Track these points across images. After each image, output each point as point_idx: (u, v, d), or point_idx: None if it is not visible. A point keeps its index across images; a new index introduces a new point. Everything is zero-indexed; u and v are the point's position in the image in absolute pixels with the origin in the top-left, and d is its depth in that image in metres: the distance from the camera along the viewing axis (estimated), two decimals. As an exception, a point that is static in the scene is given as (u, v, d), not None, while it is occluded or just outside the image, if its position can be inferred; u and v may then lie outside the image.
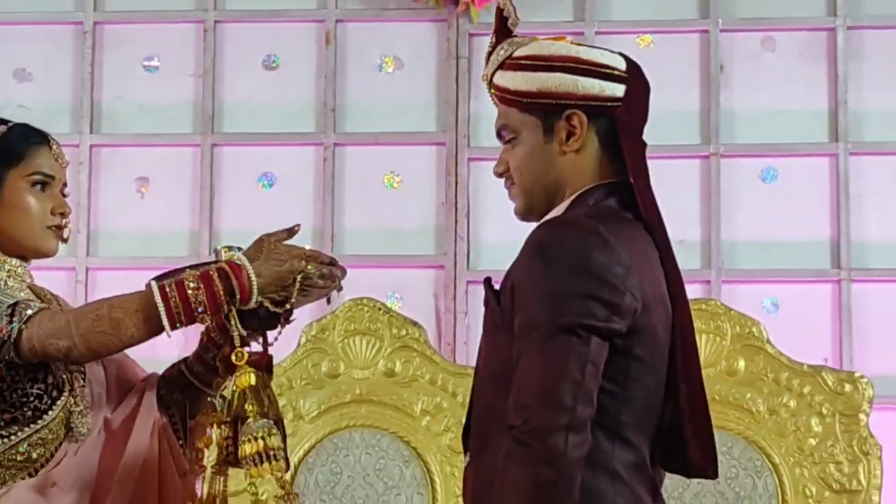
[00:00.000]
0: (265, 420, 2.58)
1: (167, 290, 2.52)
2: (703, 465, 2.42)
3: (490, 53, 2.54)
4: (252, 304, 2.57)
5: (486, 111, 4.54)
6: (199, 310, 2.53)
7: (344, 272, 2.67)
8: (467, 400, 2.48)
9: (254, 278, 2.53)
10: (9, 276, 2.71)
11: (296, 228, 2.65)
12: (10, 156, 2.72)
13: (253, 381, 2.62)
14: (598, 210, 2.42)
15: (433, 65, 4.83)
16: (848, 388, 4.29)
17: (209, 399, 2.70)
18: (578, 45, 2.51)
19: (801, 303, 4.68)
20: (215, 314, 2.56)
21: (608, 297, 2.29)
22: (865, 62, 4.77)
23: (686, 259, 4.38)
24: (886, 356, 4.61)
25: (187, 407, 2.82)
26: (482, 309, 2.53)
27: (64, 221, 2.76)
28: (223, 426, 2.62)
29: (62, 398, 2.60)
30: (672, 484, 4.11)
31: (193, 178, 4.80)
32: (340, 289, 2.68)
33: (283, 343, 2.75)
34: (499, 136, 2.53)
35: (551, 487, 2.22)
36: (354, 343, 4.38)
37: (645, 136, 2.48)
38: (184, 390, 2.80)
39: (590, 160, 2.46)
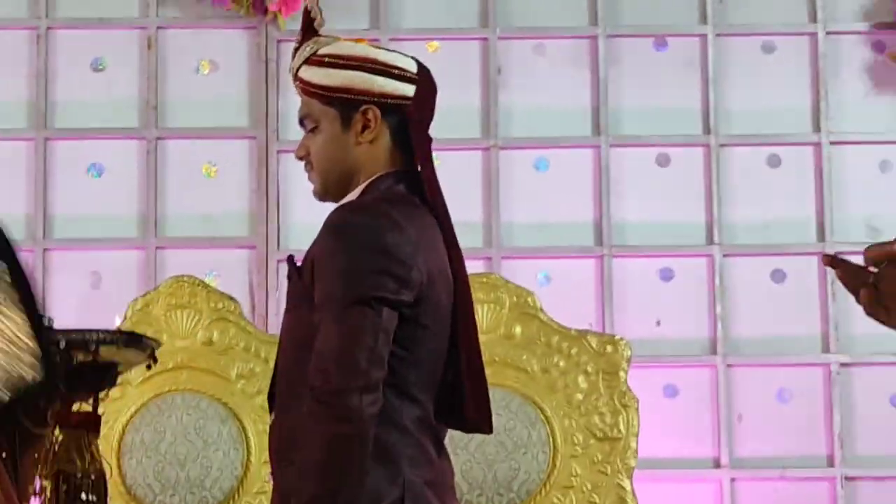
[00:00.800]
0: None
1: None
2: (478, 420, 2.53)
3: (297, 49, 2.60)
4: None
5: (293, 108, 4.53)
6: None
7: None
8: None
9: None
10: None
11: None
12: None
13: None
14: (388, 195, 2.51)
15: (245, 67, 4.96)
16: (609, 349, 4.49)
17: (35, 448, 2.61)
18: (377, 47, 2.62)
19: (569, 276, 4.87)
20: None
21: (398, 272, 2.40)
22: (623, 66, 5.00)
23: (470, 239, 4.60)
24: (641, 322, 4.83)
25: (15, 441, 2.65)
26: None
27: None
28: (50, 478, 2.66)
29: None
30: (458, 435, 3.97)
31: (28, 169, 4.89)
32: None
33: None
34: (301, 123, 2.60)
35: (349, 441, 2.33)
36: (176, 315, 4.45)
37: (432, 131, 2.59)
38: (13, 426, 2.53)
39: (382, 150, 2.55)
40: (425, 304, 2.45)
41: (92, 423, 2.74)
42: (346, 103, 2.54)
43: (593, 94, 4.99)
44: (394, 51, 2.63)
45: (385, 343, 2.39)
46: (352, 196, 2.55)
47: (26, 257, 4.76)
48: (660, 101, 4.99)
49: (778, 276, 4.93)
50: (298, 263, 2.52)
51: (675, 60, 5.03)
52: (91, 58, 5.00)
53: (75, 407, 2.73)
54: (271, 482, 2.51)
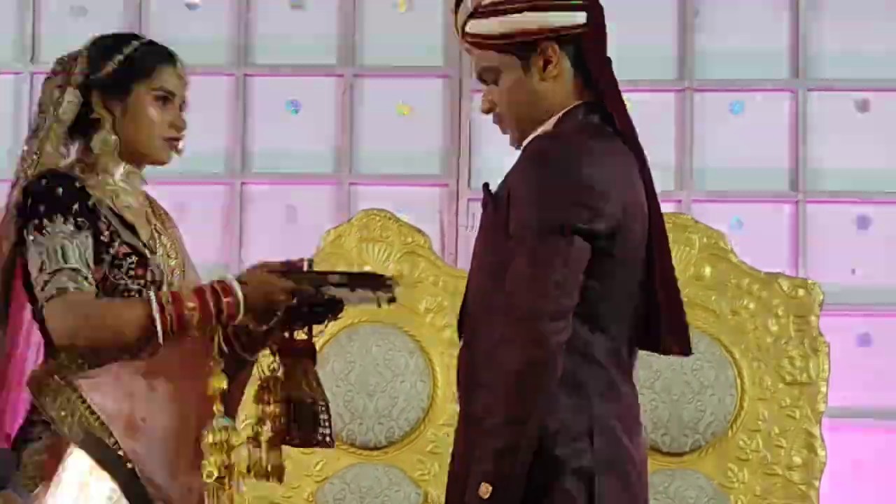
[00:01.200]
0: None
1: (165, 307, 2.56)
2: (677, 343, 2.53)
3: (458, 4, 2.57)
4: (238, 322, 2.60)
5: None
6: (192, 323, 2.57)
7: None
8: None
9: (241, 302, 2.57)
10: (124, 180, 2.76)
11: (297, 263, 2.68)
12: (140, 70, 2.75)
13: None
14: (583, 125, 2.49)
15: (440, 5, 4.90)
16: (801, 292, 4.45)
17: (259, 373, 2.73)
18: None
19: (762, 221, 4.83)
20: (204, 328, 2.59)
21: (593, 203, 2.38)
22: (824, 8, 4.90)
23: (661, 181, 4.39)
24: (836, 270, 4.77)
25: (226, 367, 2.76)
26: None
27: (180, 134, 2.79)
28: (275, 404, 2.69)
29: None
30: (644, 374, 4.29)
31: (227, 105, 4.96)
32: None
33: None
34: (480, 79, 2.58)
35: (538, 366, 2.33)
36: (367, 248, 4.53)
37: (624, 72, 2.58)
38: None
39: (567, 84, 2.52)
40: (619, 236, 2.43)
41: (310, 351, 2.75)
42: (522, 46, 2.52)
43: (792, 37, 4.92)
44: None
45: (576, 272, 2.38)
46: (547, 125, 2.53)
47: (224, 190, 4.92)
48: (861, 44, 4.90)
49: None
50: (493, 191, 2.52)
51: (878, 2, 4.92)
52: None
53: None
54: (458, 409, 2.52)
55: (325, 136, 4.99)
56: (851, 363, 4.64)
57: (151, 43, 2.82)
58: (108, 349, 2.61)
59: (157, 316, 2.56)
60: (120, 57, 2.77)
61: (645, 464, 2.53)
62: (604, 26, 2.57)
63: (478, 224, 2.60)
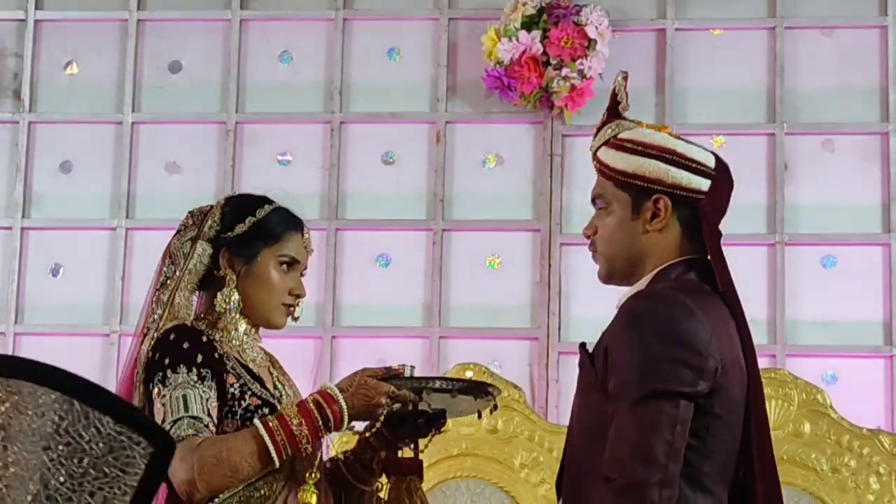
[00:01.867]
0: None
1: (273, 429, 2.61)
2: None
3: (599, 129, 2.62)
4: (342, 431, 2.67)
5: (577, 201, 4.83)
6: (304, 441, 2.62)
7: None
8: (561, 454, 2.45)
9: (345, 408, 2.62)
10: (245, 335, 2.81)
11: (398, 370, 2.73)
12: (269, 236, 2.82)
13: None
14: (680, 283, 2.50)
15: (531, 161, 5.01)
16: None
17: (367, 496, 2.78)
18: (677, 137, 2.59)
19: (857, 375, 4.76)
20: (315, 442, 2.64)
21: (694, 362, 2.36)
22: None
23: (755, 336, 4.60)
24: None
25: (342, 499, 2.87)
26: (572, 376, 2.56)
27: (297, 301, 2.85)
28: None
29: None
30: None
31: (319, 258, 4.91)
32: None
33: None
34: (593, 202, 2.63)
35: None
36: None
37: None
38: (340, 483, 2.85)
39: (670, 240, 2.54)
40: (720, 393, 2.41)
41: (417, 467, 2.78)
42: (638, 190, 2.55)
43: (883, 191, 4.92)
44: (694, 143, 2.60)
45: (682, 436, 2.36)
46: (641, 284, 2.54)
47: (315, 343, 4.92)
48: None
49: None
50: (590, 350, 2.51)
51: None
52: (382, 151, 5.12)
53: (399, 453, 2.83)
54: None
55: (414, 289, 5.00)
56: (951, 522, 4.53)
57: (282, 209, 2.89)
58: (228, 487, 2.63)
59: (268, 441, 2.60)
60: (252, 219, 2.84)
61: None
62: (726, 199, 2.60)
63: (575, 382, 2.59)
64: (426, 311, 4.99)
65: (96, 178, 5.15)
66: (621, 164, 2.55)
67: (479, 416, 2.77)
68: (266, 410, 2.72)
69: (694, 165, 2.55)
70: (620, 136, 2.57)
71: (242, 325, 2.82)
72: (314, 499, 2.63)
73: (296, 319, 2.87)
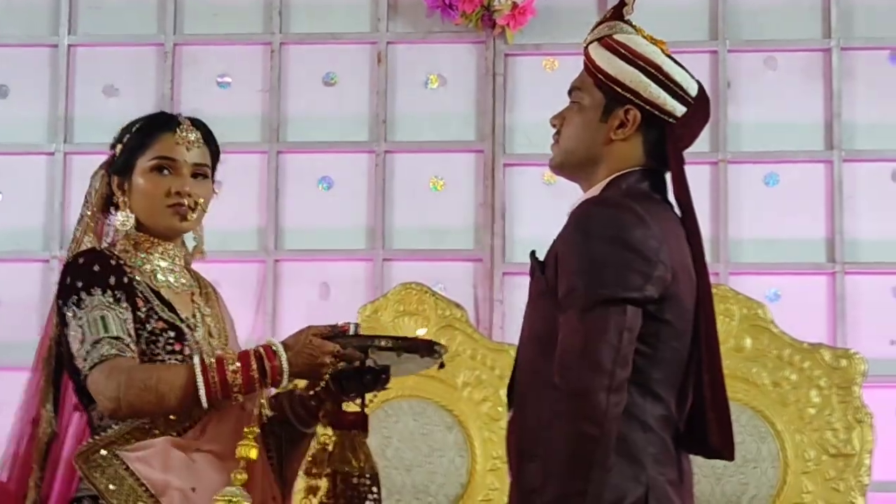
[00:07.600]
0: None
1: (209, 370, 2.58)
2: (722, 447, 2.51)
3: (598, 24, 2.61)
4: (283, 387, 2.64)
5: (520, 122, 4.85)
6: (235, 390, 2.59)
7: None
8: (504, 373, 2.48)
9: (285, 366, 2.59)
10: (162, 259, 2.79)
11: (344, 327, 2.66)
12: (139, 146, 2.76)
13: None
14: (632, 191, 2.50)
15: (473, 81, 4.98)
16: (844, 363, 4.42)
17: (310, 447, 2.76)
18: (669, 56, 2.57)
19: (800, 293, 4.78)
20: (247, 394, 2.61)
21: (642, 268, 2.38)
22: (857, 79, 4.91)
23: None
24: (875, 341, 4.70)
25: (283, 440, 2.83)
26: (516, 297, 2.54)
27: (185, 200, 2.74)
28: (322, 477, 2.69)
29: None
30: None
31: (261, 182, 4.97)
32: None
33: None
34: (569, 91, 2.62)
35: (594, 441, 2.31)
36: (404, 322, 4.50)
37: None
38: (282, 424, 2.81)
39: (630, 152, 2.54)
40: (670, 300, 2.42)
41: (361, 422, 2.74)
42: (613, 95, 2.54)
43: (826, 108, 4.91)
44: (684, 68, 2.58)
45: (630, 342, 2.36)
46: (595, 190, 2.54)
47: (257, 267, 4.89)
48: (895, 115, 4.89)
49: None
50: (541, 258, 2.51)
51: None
52: (323, 72, 5.07)
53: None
54: (503, 485, 2.55)
55: (357, 212, 4.98)
56: (892, 435, 4.56)
57: (155, 115, 2.85)
58: (152, 414, 2.62)
59: (200, 379, 2.58)
60: (127, 135, 2.82)
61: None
62: (697, 130, 2.59)
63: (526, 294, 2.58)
64: (370, 234, 4.98)
65: (33, 102, 5.09)
66: (605, 65, 2.54)
67: (424, 370, 2.75)
68: (172, 335, 2.70)
69: (675, 88, 2.53)
70: (615, 36, 2.56)
71: (161, 247, 2.79)
72: (254, 452, 2.60)
73: (185, 219, 2.77)
